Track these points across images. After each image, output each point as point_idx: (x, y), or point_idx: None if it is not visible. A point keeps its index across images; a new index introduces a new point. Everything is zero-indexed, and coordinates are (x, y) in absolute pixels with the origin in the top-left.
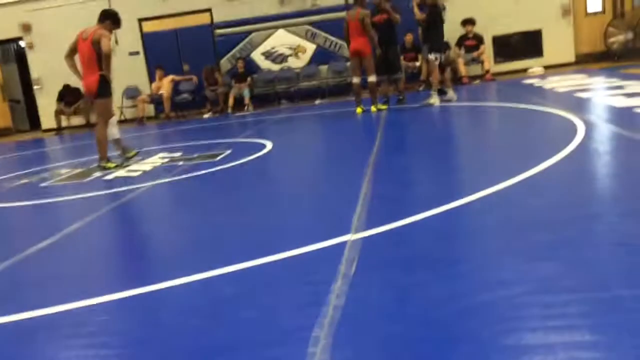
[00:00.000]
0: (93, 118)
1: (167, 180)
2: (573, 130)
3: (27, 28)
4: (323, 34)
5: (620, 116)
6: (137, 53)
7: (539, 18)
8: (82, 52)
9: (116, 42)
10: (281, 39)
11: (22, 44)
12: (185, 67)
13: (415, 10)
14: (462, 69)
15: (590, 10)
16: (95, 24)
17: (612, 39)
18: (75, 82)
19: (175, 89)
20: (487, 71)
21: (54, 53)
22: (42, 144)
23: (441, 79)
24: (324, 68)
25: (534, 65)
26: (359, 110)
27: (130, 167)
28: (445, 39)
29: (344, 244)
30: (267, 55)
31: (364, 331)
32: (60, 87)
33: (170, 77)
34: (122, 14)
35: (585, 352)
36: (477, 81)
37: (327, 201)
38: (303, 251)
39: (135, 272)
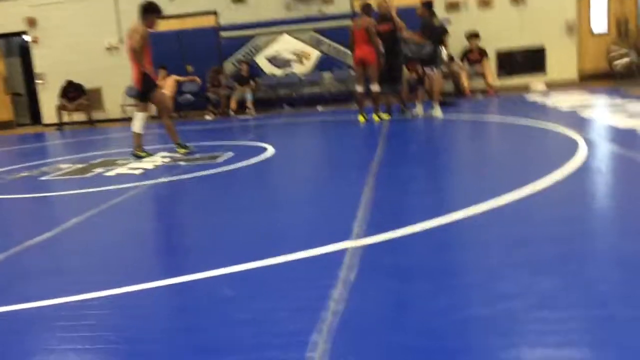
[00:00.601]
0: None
1: (168, 179)
2: (575, 148)
3: (31, 22)
4: (328, 40)
5: (623, 137)
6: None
7: (544, 35)
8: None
9: (121, 40)
10: (286, 44)
11: (26, 38)
12: (189, 68)
13: (415, 37)
14: (465, 83)
15: (595, 30)
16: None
17: (615, 59)
18: (78, 77)
19: (178, 89)
20: (490, 86)
21: (58, 48)
22: (43, 138)
23: (412, 95)
24: (327, 75)
25: (537, 82)
26: (361, 118)
27: (132, 165)
28: (450, 51)
29: (344, 250)
30: (271, 59)
31: (363, 338)
32: (63, 83)
33: (174, 77)
34: (128, 13)
35: None
36: (480, 95)
37: (328, 207)
38: (303, 256)
39: (134, 269)
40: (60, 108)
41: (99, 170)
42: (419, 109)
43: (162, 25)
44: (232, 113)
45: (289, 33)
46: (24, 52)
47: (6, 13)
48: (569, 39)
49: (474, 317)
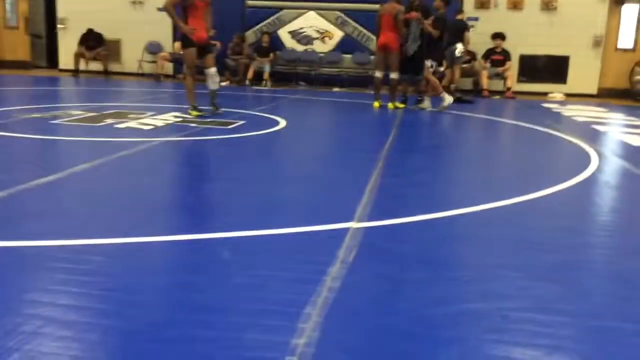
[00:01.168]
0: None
1: (177, 138)
2: (586, 160)
3: None
4: (353, 22)
5: (635, 155)
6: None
7: (569, 45)
8: None
9: None
10: (310, 21)
11: None
12: (211, 32)
13: (430, 29)
14: (485, 82)
15: (620, 46)
16: None
17: (637, 78)
18: (99, 27)
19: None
20: (509, 88)
21: None
22: (57, 82)
23: (428, 87)
24: (347, 57)
25: (556, 91)
26: (376, 104)
27: (143, 120)
28: (473, 50)
29: (345, 230)
30: (294, 34)
31: (355, 316)
32: (83, 30)
33: None
34: None
35: None
36: (498, 96)
37: (334, 186)
38: (304, 230)
39: (136, 221)
40: (78, 55)
41: (110, 121)
42: (426, 103)
43: None
44: (248, 82)
45: (316, 10)
46: None
47: None
48: (593, 52)
49: (466, 311)
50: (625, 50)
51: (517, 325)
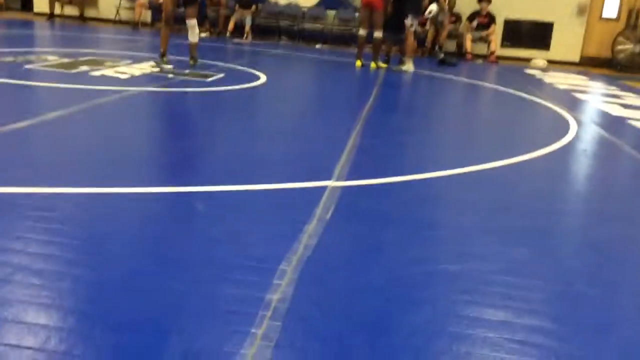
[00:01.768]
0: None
1: (153, 89)
2: (565, 127)
3: None
4: None
5: (614, 124)
6: None
7: (554, 12)
8: None
9: None
10: None
11: None
12: None
13: None
14: (469, 45)
15: (605, 15)
16: None
17: (619, 48)
18: None
19: (177, 1)
20: (492, 52)
21: None
22: (32, 26)
23: (409, 47)
24: (331, 13)
25: (539, 57)
26: (358, 63)
27: (119, 69)
28: (458, 12)
29: (323, 188)
30: None
31: (330, 274)
32: None
33: None
34: None
35: (541, 337)
36: (481, 60)
37: (313, 145)
38: (282, 187)
39: (109, 172)
40: (53, 1)
41: (85, 68)
42: (408, 64)
43: None
44: (228, 35)
45: None
46: None
47: None
48: (578, 20)
49: (440, 272)
50: (608, 19)
51: (490, 287)
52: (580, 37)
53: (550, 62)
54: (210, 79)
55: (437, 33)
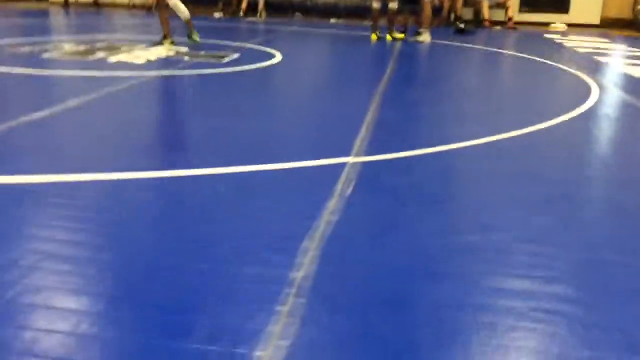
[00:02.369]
0: None
1: (170, 73)
2: (587, 92)
3: None
4: None
5: (637, 86)
6: None
7: None
8: None
9: None
10: None
11: None
12: None
13: None
14: (486, 12)
15: None
16: None
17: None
18: None
19: None
20: (510, 18)
21: None
22: (47, 14)
23: (425, 18)
24: None
25: (558, 21)
26: (374, 36)
27: (135, 53)
28: None
29: (343, 164)
30: None
31: (352, 250)
32: None
33: None
34: None
35: (566, 305)
36: (499, 27)
37: (331, 121)
38: (302, 165)
39: (129, 157)
40: None
41: (101, 54)
42: (425, 35)
43: None
44: (242, 14)
45: None
46: None
47: None
48: None
49: (462, 244)
50: None
51: (513, 257)
52: None
53: (569, 25)
54: (225, 60)
55: (453, 1)
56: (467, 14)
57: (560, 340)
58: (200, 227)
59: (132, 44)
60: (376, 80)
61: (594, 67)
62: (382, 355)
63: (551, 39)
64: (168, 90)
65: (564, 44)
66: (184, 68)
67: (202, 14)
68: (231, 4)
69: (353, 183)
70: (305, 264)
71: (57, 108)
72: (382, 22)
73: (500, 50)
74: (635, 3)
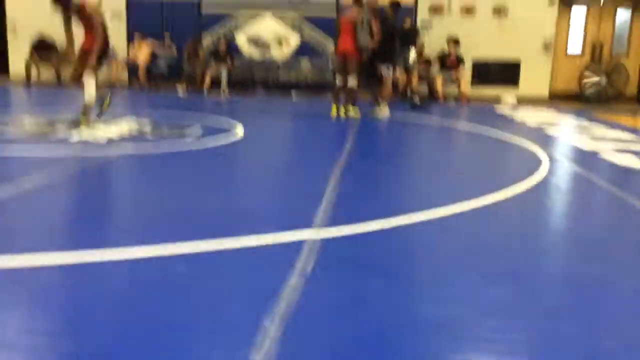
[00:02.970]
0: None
1: (132, 151)
2: (537, 164)
3: None
4: (310, 27)
5: (585, 158)
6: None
7: (520, 49)
8: None
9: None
10: (267, 26)
11: None
12: (167, 36)
13: (375, 28)
14: (440, 87)
15: (570, 51)
16: None
17: (586, 82)
18: (51, 31)
19: (153, 59)
20: (463, 93)
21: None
22: (7, 92)
23: (384, 93)
24: (305, 62)
25: (508, 95)
26: (334, 111)
27: (98, 133)
28: (428, 55)
29: (303, 240)
30: (251, 40)
31: (314, 329)
32: (34, 38)
33: (150, 44)
34: None
35: None
36: (452, 101)
37: (291, 195)
38: (262, 241)
39: (86, 238)
40: (29, 63)
41: (62, 134)
42: (384, 110)
43: None
44: (205, 92)
45: (272, 16)
46: None
47: None
48: (544, 57)
49: (425, 319)
50: (574, 55)
51: (473, 331)
52: (548, 73)
53: (520, 98)
54: (188, 137)
55: (408, 77)
56: (422, 89)
57: None
58: (159, 309)
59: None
60: (336, 155)
61: (544, 139)
62: None
63: (502, 113)
64: (130, 170)
65: (515, 117)
66: (145, 147)
67: (166, 89)
68: (194, 80)
69: (314, 259)
70: (267, 345)
71: (10, 192)
72: (342, 97)
73: (454, 125)
74: (581, 77)
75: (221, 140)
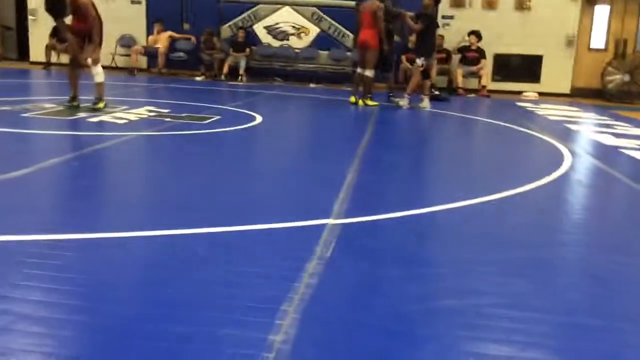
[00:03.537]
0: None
1: (152, 133)
2: (559, 158)
3: None
4: (329, 19)
5: (607, 153)
6: (138, 2)
7: (543, 44)
8: None
9: None
10: (286, 17)
11: None
12: (185, 26)
13: (411, 23)
14: (460, 80)
15: (593, 45)
16: None
17: (609, 78)
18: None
19: (172, 46)
20: (484, 86)
21: None
22: (28, 75)
23: (421, 85)
24: (324, 53)
25: (529, 90)
26: (352, 99)
27: (117, 114)
28: (448, 47)
29: (323, 226)
30: (270, 30)
31: (331, 313)
32: (54, 23)
33: (169, 33)
34: None
35: None
36: (473, 95)
37: (311, 183)
38: (281, 226)
39: (106, 216)
40: (50, 48)
41: (82, 114)
42: (425, 102)
43: None
44: (223, 78)
45: (291, 6)
46: None
47: None
48: (566, 52)
49: (442, 308)
50: (597, 50)
51: (492, 321)
52: (570, 68)
53: (541, 94)
54: (207, 121)
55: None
56: (441, 81)
57: None
58: (178, 289)
59: (114, 105)
60: (355, 143)
61: (566, 134)
62: None
63: (523, 107)
64: (148, 151)
65: (536, 111)
66: (165, 129)
67: (184, 77)
68: (213, 67)
69: (332, 245)
70: (284, 327)
71: (34, 167)
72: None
73: (475, 117)
74: (603, 73)
75: (239, 126)
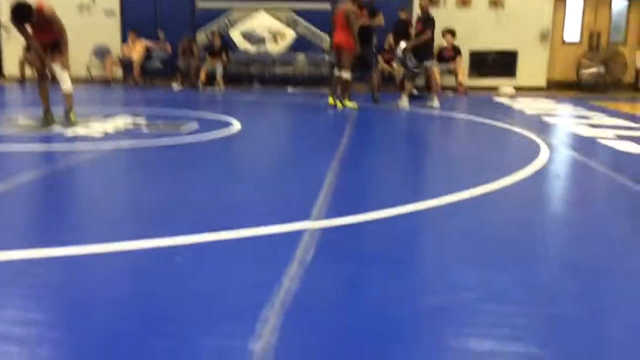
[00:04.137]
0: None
1: (128, 145)
2: (537, 152)
3: None
4: (304, 22)
5: (584, 144)
6: (113, 14)
7: (517, 40)
8: None
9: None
10: (262, 21)
11: None
12: (161, 35)
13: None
14: (437, 79)
15: (567, 39)
16: None
17: (584, 71)
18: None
19: (147, 55)
20: (461, 84)
21: None
22: (2, 91)
23: (404, 83)
24: (300, 56)
25: (506, 85)
26: (331, 101)
27: (93, 126)
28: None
29: (303, 230)
30: (246, 35)
31: (314, 317)
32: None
33: (144, 42)
34: None
35: None
36: (450, 92)
37: (290, 186)
38: (261, 232)
39: (83, 231)
40: (24, 63)
41: (57, 128)
42: (404, 101)
43: None
44: (200, 85)
45: (266, 10)
46: None
47: None
48: (541, 46)
49: (426, 306)
50: (571, 43)
51: (476, 317)
52: (545, 62)
53: (517, 88)
54: (184, 130)
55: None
56: (419, 80)
57: None
58: (158, 301)
59: (89, 116)
60: (334, 145)
61: (543, 127)
62: None
63: (501, 103)
64: (126, 163)
65: (513, 106)
66: (142, 140)
67: (160, 86)
68: (189, 75)
69: (313, 248)
70: (266, 334)
71: (10, 184)
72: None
73: (453, 114)
74: (579, 66)
75: (217, 134)
